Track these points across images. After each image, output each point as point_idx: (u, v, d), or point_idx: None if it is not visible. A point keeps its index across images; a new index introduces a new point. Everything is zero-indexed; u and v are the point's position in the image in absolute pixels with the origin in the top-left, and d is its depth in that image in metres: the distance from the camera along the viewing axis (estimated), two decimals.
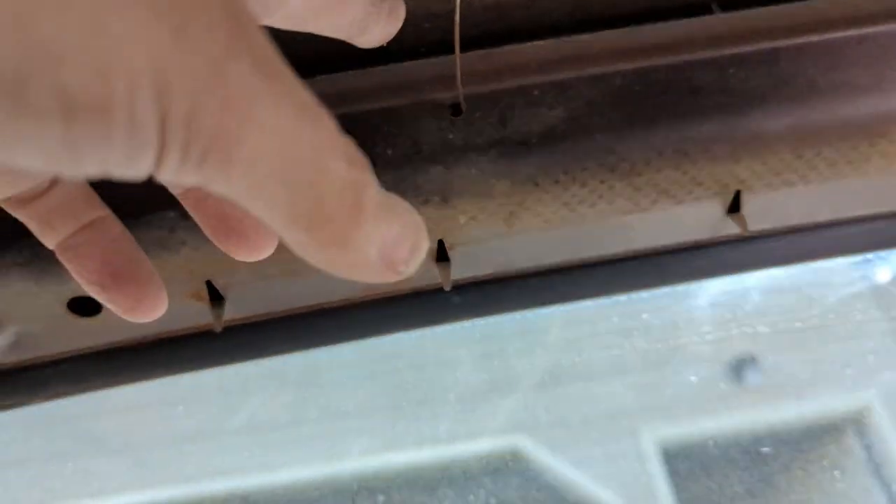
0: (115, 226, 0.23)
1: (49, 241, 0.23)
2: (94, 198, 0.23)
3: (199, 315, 0.38)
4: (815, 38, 0.37)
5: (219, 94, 0.14)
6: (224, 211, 0.23)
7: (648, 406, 1.06)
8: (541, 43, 0.36)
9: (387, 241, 0.18)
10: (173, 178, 0.14)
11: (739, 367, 1.02)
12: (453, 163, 0.36)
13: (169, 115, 0.13)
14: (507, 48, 0.36)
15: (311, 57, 0.32)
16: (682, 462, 1.08)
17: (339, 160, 0.17)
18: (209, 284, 0.37)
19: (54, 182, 0.22)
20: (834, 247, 0.43)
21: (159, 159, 0.14)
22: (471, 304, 0.42)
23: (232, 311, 0.39)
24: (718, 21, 0.37)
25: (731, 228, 0.41)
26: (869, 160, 0.39)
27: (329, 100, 0.38)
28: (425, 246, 0.20)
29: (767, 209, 0.40)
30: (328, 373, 1.02)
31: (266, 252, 0.24)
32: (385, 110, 0.36)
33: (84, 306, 0.37)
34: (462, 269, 0.40)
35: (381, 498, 1.03)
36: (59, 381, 0.40)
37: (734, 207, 0.40)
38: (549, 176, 0.36)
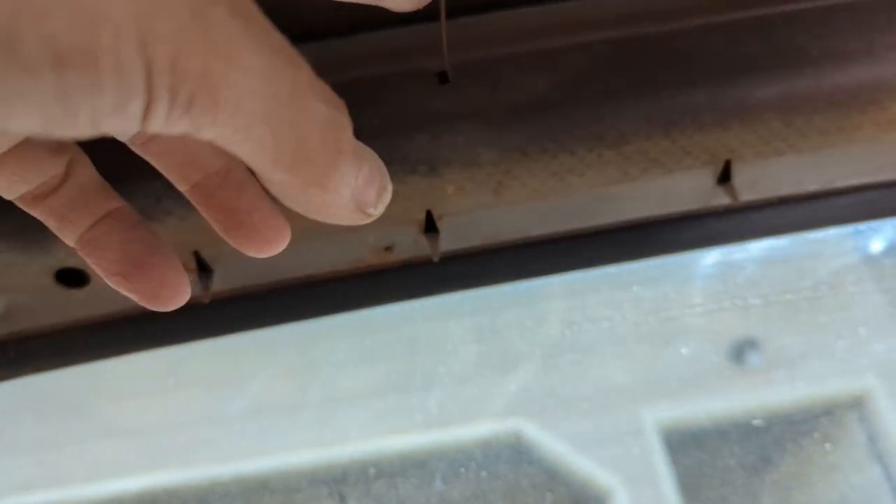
0: (131, 215, 0.23)
1: (69, 237, 0.23)
2: (108, 189, 0.23)
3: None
4: (805, 4, 0.37)
5: (201, 37, 0.14)
6: (233, 204, 0.23)
7: (646, 385, 1.07)
8: (528, 10, 0.36)
9: (359, 183, 0.19)
10: (163, 125, 0.15)
11: (739, 349, 1.02)
12: (440, 131, 0.35)
13: (155, 61, 0.13)
14: (494, 15, 0.36)
15: (297, 25, 0.32)
16: (682, 441, 1.09)
17: (318, 100, 0.17)
18: (197, 255, 0.37)
19: (67, 175, 0.22)
20: (825, 217, 0.43)
21: (148, 105, 0.14)
22: (460, 275, 0.42)
23: (220, 283, 0.39)
24: None
25: (721, 199, 0.40)
26: (860, 128, 0.38)
27: (315, 68, 0.38)
28: (390, 189, 0.21)
29: (758, 179, 0.40)
30: (327, 357, 1.02)
31: (277, 246, 0.24)
32: (371, 78, 0.35)
33: (72, 277, 0.37)
34: (451, 240, 0.40)
35: (372, 471, 1.04)
36: (48, 353, 0.40)
37: (724, 177, 0.39)
38: (537, 144, 0.36)
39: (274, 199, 0.19)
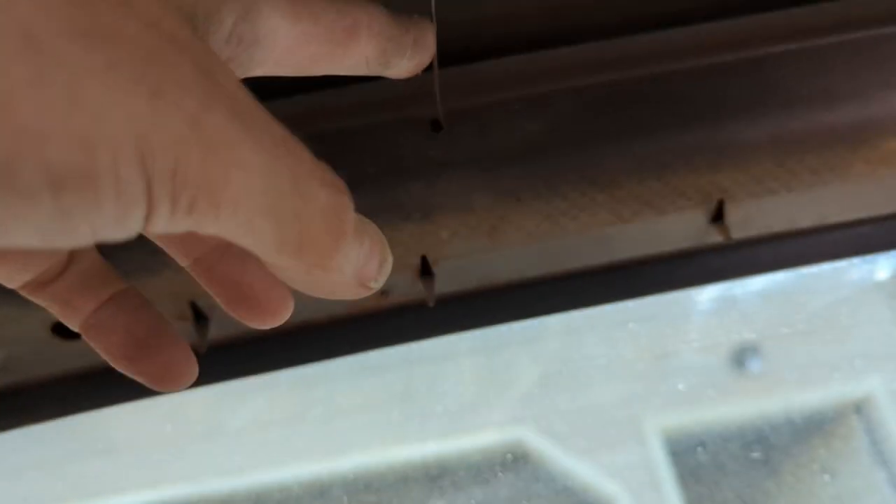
0: (135, 297, 0.23)
1: (73, 323, 0.23)
2: (111, 271, 0.23)
3: (183, 335, 0.38)
4: (794, 45, 0.37)
5: (200, 145, 0.14)
6: (235, 277, 0.23)
7: (648, 392, 1.07)
8: (519, 57, 0.36)
9: (361, 260, 0.19)
10: (164, 229, 0.15)
11: (739, 356, 1.02)
12: (434, 179, 0.36)
13: (154, 174, 0.14)
14: (486, 63, 0.36)
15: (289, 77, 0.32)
16: (686, 450, 1.08)
17: (319, 186, 0.17)
18: (193, 305, 0.37)
19: (70, 260, 0.22)
20: (819, 252, 0.43)
21: (149, 215, 0.14)
22: (457, 317, 0.42)
23: (216, 330, 0.39)
24: (697, 31, 0.37)
25: (715, 237, 0.41)
26: (851, 166, 0.39)
27: (309, 118, 0.38)
28: (391, 260, 0.20)
29: (751, 217, 0.40)
30: (328, 372, 1.02)
31: (281, 318, 0.24)
32: (365, 127, 0.36)
33: (68, 329, 0.37)
34: (446, 283, 0.40)
35: (374, 483, 1.04)
36: (47, 403, 0.40)
37: (717, 216, 0.40)
38: (530, 190, 0.36)
39: None
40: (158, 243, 0.23)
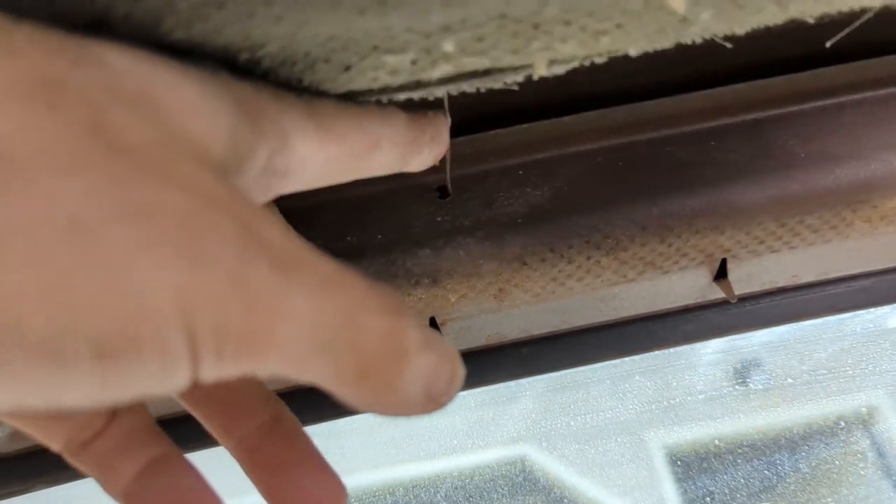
0: (180, 459, 0.23)
1: (113, 488, 0.22)
2: (156, 429, 0.23)
3: None
4: (793, 108, 0.38)
5: (242, 300, 0.14)
6: (280, 459, 0.22)
7: (651, 409, 1.06)
8: (524, 126, 0.37)
9: (428, 376, 0.18)
10: (212, 378, 0.15)
11: (743, 372, 1.02)
12: (442, 245, 0.36)
13: (196, 333, 0.14)
14: (491, 132, 0.36)
15: None
16: (688, 462, 1.08)
17: (373, 314, 0.17)
18: None
19: (111, 419, 0.22)
20: (821, 306, 0.43)
21: (195, 370, 0.14)
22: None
23: None
24: (697, 97, 0.37)
25: (717, 293, 0.41)
26: (851, 225, 0.39)
27: (319, 187, 0.39)
28: (462, 374, 0.20)
29: (753, 274, 0.41)
30: None
31: None
32: (374, 195, 0.36)
33: None
34: (454, 341, 0.40)
35: (379, 499, 1.03)
36: (59, 466, 0.40)
37: (720, 274, 0.40)
38: (535, 255, 0.37)
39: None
40: (200, 417, 0.23)
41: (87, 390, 0.13)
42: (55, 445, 0.21)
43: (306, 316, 0.15)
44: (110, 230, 0.13)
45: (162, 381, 0.14)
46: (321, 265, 0.16)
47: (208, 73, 0.17)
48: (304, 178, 0.21)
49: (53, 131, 0.13)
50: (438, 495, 1.08)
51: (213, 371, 0.14)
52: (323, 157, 0.20)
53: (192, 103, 0.15)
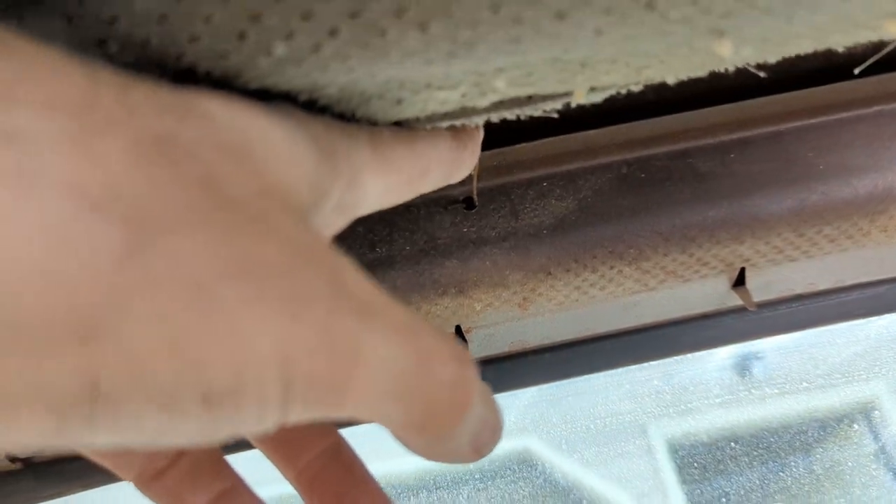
0: (246, 493, 0.23)
1: None
2: (224, 461, 0.23)
3: None
4: (812, 120, 0.39)
5: (327, 352, 0.15)
6: (340, 488, 0.23)
7: (653, 400, 1.07)
8: (548, 139, 0.37)
9: (477, 428, 0.19)
10: (295, 422, 0.15)
11: (744, 363, 1.03)
12: (468, 256, 0.37)
13: (289, 383, 0.14)
14: (517, 145, 0.37)
15: None
16: (691, 457, 1.09)
17: (444, 364, 0.17)
18: None
19: (181, 451, 0.22)
20: (837, 313, 0.44)
21: (284, 416, 0.15)
22: (487, 380, 0.43)
23: None
24: (718, 110, 0.38)
25: (736, 300, 0.42)
26: (868, 235, 0.40)
27: None
28: (501, 427, 0.20)
29: (771, 282, 0.42)
30: None
31: None
32: (402, 207, 0.37)
33: None
34: (478, 348, 0.41)
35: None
36: (94, 469, 0.41)
37: (739, 282, 0.41)
38: (560, 265, 0.38)
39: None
40: (262, 450, 0.23)
41: (188, 433, 0.14)
42: (127, 476, 0.22)
43: (384, 363, 0.16)
44: (223, 286, 0.13)
45: (253, 426, 0.15)
46: (396, 311, 0.17)
47: (286, 113, 0.17)
48: (363, 209, 0.21)
49: (174, 189, 0.13)
50: (441, 487, 1.09)
51: (298, 416, 0.15)
52: (382, 187, 0.21)
53: (280, 150, 0.16)
